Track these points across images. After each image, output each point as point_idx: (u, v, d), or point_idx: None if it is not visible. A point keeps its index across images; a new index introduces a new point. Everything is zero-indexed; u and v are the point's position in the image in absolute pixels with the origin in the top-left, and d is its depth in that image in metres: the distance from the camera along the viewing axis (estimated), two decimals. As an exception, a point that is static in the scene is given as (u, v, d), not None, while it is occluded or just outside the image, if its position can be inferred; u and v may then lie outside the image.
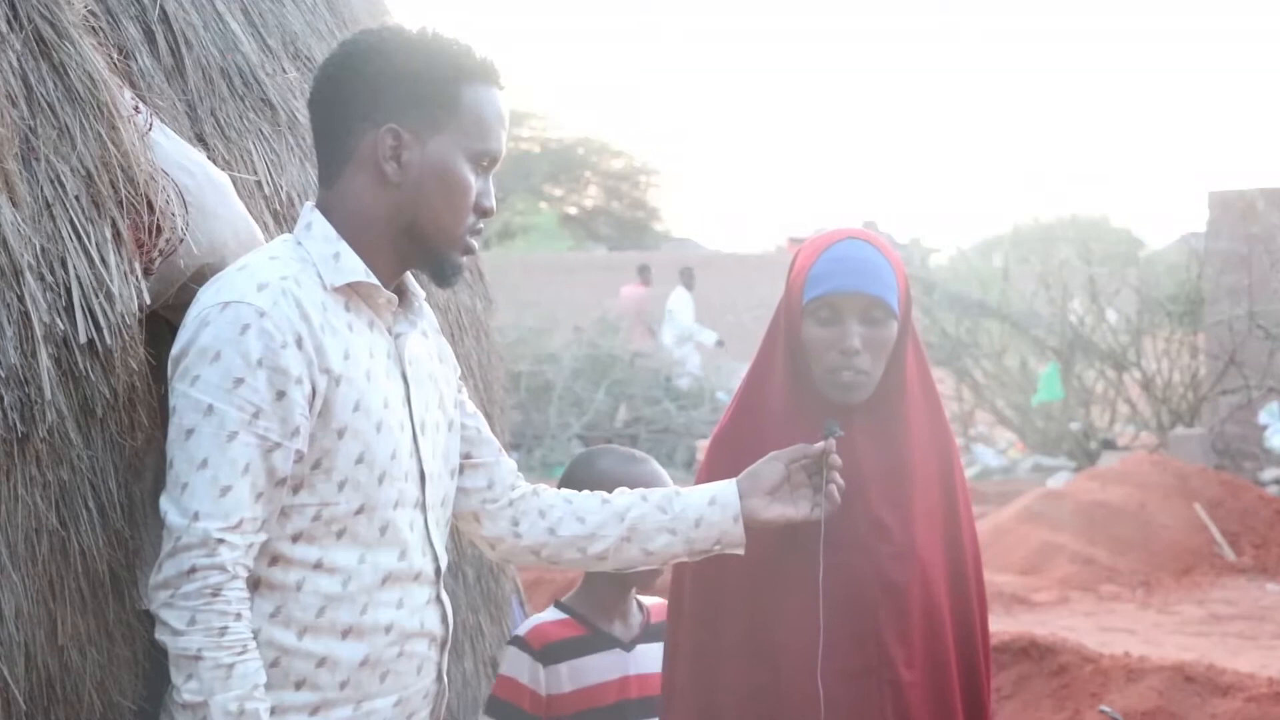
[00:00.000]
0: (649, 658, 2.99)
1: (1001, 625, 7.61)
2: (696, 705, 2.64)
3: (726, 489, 2.53)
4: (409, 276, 2.40)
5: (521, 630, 3.09)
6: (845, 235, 2.61)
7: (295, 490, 2.20)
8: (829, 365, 2.54)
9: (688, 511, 2.52)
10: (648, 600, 3.11)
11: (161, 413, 2.36)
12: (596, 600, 3.05)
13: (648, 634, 3.03)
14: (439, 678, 2.40)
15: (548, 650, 2.99)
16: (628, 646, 3.02)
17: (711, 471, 2.64)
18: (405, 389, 2.32)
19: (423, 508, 2.34)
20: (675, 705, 2.69)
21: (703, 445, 13.35)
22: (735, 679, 2.59)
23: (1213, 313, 13.42)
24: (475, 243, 2.34)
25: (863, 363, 2.53)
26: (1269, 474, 12.13)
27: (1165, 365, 14.24)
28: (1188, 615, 8.79)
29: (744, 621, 2.60)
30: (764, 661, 2.57)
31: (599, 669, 2.99)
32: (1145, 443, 13.78)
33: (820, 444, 2.48)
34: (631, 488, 2.62)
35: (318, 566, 2.21)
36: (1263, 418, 12.58)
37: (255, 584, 2.19)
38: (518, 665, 3.00)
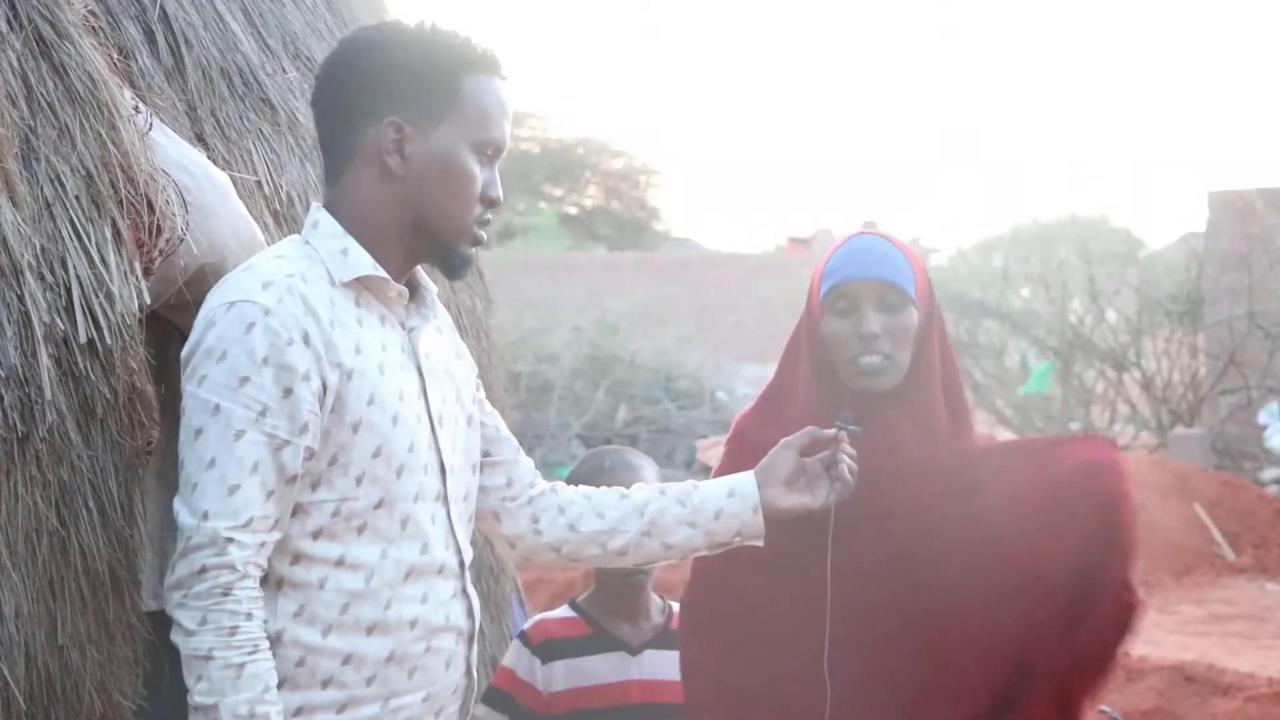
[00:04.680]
0: (657, 663, 2.97)
1: (1001, 625, 7.58)
2: (714, 700, 2.64)
3: (744, 480, 2.53)
4: (420, 272, 2.40)
5: (527, 625, 3.10)
6: (858, 232, 2.65)
7: (314, 487, 2.19)
8: (850, 354, 2.54)
9: (707, 504, 2.52)
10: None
11: (162, 413, 2.36)
12: (606, 601, 3.04)
13: (662, 640, 3.00)
14: (468, 672, 2.39)
15: (546, 646, 2.99)
16: (634, 650, 3.00)
17: (731, 468, 2.63)
18: (421, 382, 2.32)
19: (444, 500, 2.33)
20: (696, 702, 2.69)
21: (703, 445, 13.38)
22: (746, 670, 2.59)
23: (1213, 313, 13.42)
24: (483, 234, 2.34)
25: (883, 346, 2.53)
26: (1269, 474, 12.14)
27: (1165, 365, 14.25)
28: (1188, 615, 8.80)
29: (754, 612, 2.60)
30: (772, 651, 2.57)
31: (598, 670, 2.98)
32: (1145, 443, 13.78)
33: (831, 430, 2.49)
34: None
35: (339, 563, 2.21)
36: (1262, 418, 12.58)
37: (278, 583, 2.19)
38: (517, 658, 3.02)
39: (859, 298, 2.54)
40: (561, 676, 2.97)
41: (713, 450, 11.84)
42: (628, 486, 2.62)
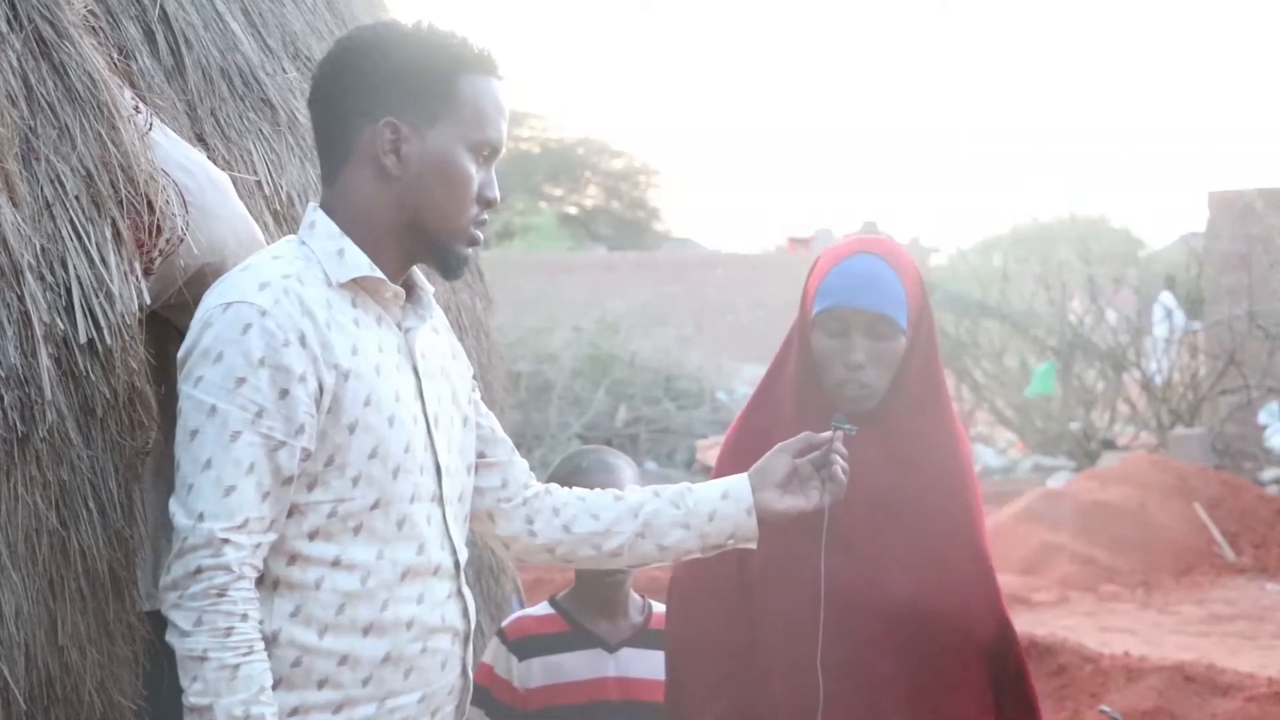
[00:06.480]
0: (634, 661, 2.98)
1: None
2: (700, 700, 2.65)
3: (738, 483, 2.54)
4: (417, 272, 2.40)
5: (506, 622, 3.11)
6: (860, 249, 2.66)
7: (310, 488, 2.19)
8: (836, 378, 2.61)
9: (701, 506, 2.53)
10: (661, 607, 3.09)
11: (162, 413, 2.36)
12: (586, 599, 3.05)
13: (640, 638, 3.01)
14: (464, 672, 2.39)
15: (522, 643, 3.01)
16: (611, 648, 3.01)
17: (725, 471, 2.66)
18: (417, 382, 2.32)
19: (440, 501, 2.33)
20: (681, 702, 2.70)
21: (703, 445, 13.38)
22: (735, 672, 2.60)
23: (1213, 313, 13.44)
24: (480, 234, 2.34)
25: (867, 376, 2.59)
26: (1269, 474, 12.15)
27: (1165, 365, 14.25)
28: (1188, 615, 8.80)
29: (743, 613, 2.61)
30: (763, 652, 2.58)
31: (575, 667, 2.99)
32: (1145, 443, 13.78)
33: (826, 433, 2.51)
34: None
35: (336, 564, 2.21)
36: (1262, 418, 12.59)
37: (274, 584, 2.19)
38: (494, 654, 3.04)
39: (850, 323, 2.59)
40: (538, 673, 2.98)
41: (712, 450, 11.83)
42: (605, 487, 2.63)
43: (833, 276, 2.62)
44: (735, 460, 2.67)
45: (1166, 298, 16.25)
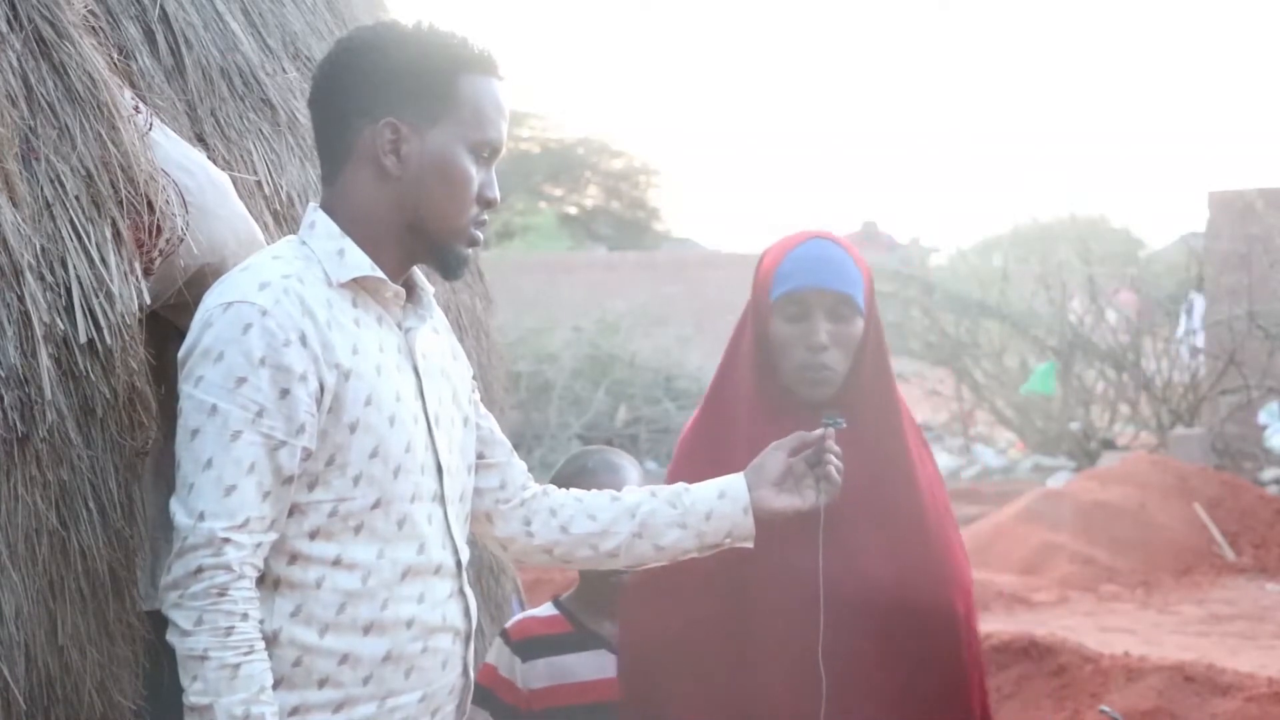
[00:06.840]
0: None
1: (1001, 625, 7.62)
2: (698, 702, 2.65)
3: (734, 482, 2.55)
4: (417, 272, 2.40)
5: (509, 622, 3.12)
6: (811, 235, 2.67)
7: (310, 487, 2.19)
8: (798, 362, 2.60)
9: (697, 505, 2.53)
10: None
11: (162, 413, 2.36)
12: (589, 599, 3.05)
13: None
14: (465, 672, 2.40)
15: (526, 644, 3.01)
16: (615, 648, 3.01)
17: (680, 469, 2.68)
18: (417, 382, 2.32)
19: (441, 501, 2.33)
20: (665, 703, 2.70)
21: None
22: (731, 673, 2.60)
23: (1213, 313, 13.44)
24: (480, 234, 2.34)
25: (830, 358, 2.59)
26: (1269, 474, 12.15)
27: (1165, 365, 14.25)
28: (1188, 615, 8.80)
29: (728, 611, 2.61)
30: (761, 651, 2.58)
31: (580, 668, 2.99)
32: (1145, 443, 13.78)
33: (819, 431, 2.51)
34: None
35: (336, 563, 2.21)
36: (1262, 418, 12.59)
37: (275, 583, 2.19)
38: (498, 655, 3.04)
39: (811, 305, 2.59)
40: (543, 674, 2.98)
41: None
42: (611, 487, 2.64)
43: (790, 261, 2.62)
44: (693, 458, 2.68)
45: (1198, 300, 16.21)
